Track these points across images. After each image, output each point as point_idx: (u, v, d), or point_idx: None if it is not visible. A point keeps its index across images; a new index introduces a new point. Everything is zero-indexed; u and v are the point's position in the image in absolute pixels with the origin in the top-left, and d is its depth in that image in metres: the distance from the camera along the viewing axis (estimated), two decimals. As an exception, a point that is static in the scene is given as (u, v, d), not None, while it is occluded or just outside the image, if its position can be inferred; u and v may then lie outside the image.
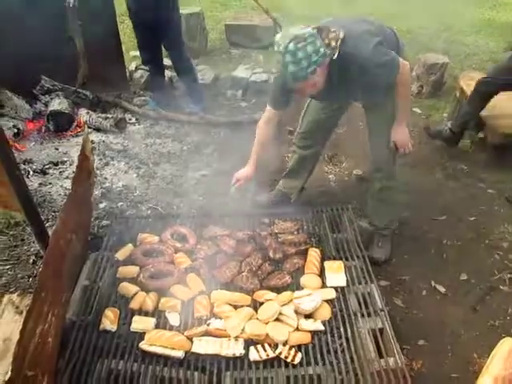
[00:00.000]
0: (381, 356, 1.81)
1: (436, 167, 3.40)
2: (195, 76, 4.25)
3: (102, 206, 2.90)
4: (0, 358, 1.76)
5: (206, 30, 5.74)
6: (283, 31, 1.95)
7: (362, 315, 1.98)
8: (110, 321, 1.89)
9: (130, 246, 2.31)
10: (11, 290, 2.33)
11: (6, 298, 2.03)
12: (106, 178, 3.18)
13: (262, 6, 5.49)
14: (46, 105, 3.86)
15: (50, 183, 3.09)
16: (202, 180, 3.18)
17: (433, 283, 2.45)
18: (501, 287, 2.43)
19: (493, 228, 2.83)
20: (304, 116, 2.67)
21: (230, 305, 1.99)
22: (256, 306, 2.01)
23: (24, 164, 3.23)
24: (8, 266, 2.48)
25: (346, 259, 2.27)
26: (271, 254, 2.27)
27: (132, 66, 4.83)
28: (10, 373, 1.32)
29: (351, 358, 1.79)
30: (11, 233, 2.70)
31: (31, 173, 3.17)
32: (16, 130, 3.58)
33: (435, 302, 2.36)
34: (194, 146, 3.59)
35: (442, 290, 2.42)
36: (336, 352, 1.83)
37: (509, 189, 3.14)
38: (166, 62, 4.39)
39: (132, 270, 2.17)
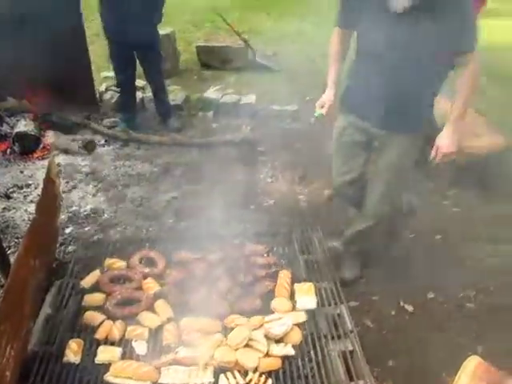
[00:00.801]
0: (351, 379, 1.80)
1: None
2: (167, 96, 4.29)
3: (68, 230, 2.83)
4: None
5: (177, 51, 5.78)
6: None
7: (333, 337, 1.98)
8: (73, 352, 1.82)
9: (96, 272, 2.25)
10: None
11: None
12: (73, 202, 3.12)
13: (234, 28, 5.59)
14: (13, 127, 3.78)
15: (14, 208, 3.01)
16: (172, 202, 3.15)
17: (401, 303, 2.48)
18: (467, 304, 2.49)
19: (458, 246, 2.90)
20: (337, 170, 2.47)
21: (200, 331, 1.95)
22: (226, 331, 1.99)
23: (-13, 188, 3.14)
24: (-33, 296, 2.38)
25: (317, 281, 2.27)
26: (242, 278, 2.25)
27: (102, 87, 4.80)
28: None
29: (321, 383, 1.78)
30: (-29, 260, 2.59)
31: (-6, 197, 3.08)
32: (-21, 153, 3.48)
33: (404, 321, 2.39)
34: (165, 168, 3.58)
35: (411, 309, 2.45)
36: (306, 377, 1.81)
37: (472, 207, 3.24)
38: (138, 82, 4.40)
39: (98, 297, 2.11)
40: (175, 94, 4.74)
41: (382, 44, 1.98)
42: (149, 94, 4.51)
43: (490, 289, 2.58)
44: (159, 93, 4.22)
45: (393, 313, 2.43)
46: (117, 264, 2.31)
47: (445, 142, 2.07)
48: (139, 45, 3.80)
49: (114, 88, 4.59)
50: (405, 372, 2.12)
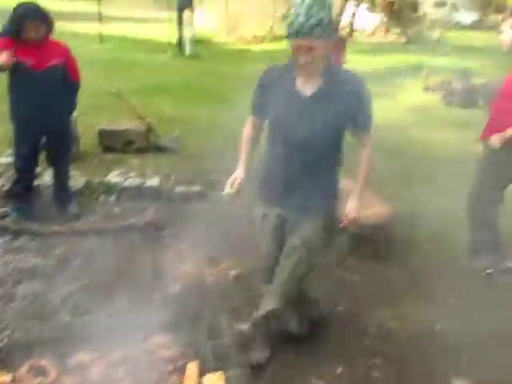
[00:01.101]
0: None
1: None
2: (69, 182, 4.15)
3: None
4: None
5: (78, 135, 5.68)
6: None
7: (244, 430, 1.90)
8: None
9: (-27, 391, 1.97)
10: None
11: None
12: (-50, 307, 2.75)
13: (137, 111, 5.69)
14: None
15: None
16: (69, 297, 2.91)
17: (313, 380, 2.47)
18: (373, 374, 2.55)
19: (360, 315, 3.02)
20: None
21: None
22: None
23: None
24: None
25: (226, 368, 2.21)
26: (146, 376, 2.11)
27: (-9, 175, 4.49)
28: None
29: None
30: None
31: None
32: None
33: (316, 400, 2.38)
34: (62, 259, 3.33)
35: (322, 386, 2.45)
36: None
37: (370, 273, 3.45)
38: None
39: (-26, 423, 1.83)
40: (75, 179, 4.56)
41: (292, 127, 2.18)
42: (46, 180, 4.31)
43: (394, 355, 2.69)
44: (62, 179, 4.05)
45: (305, 392, 2.41)
46: (0, 378, 2.04)
47: (352, 210, 2.31)
48: (52, 132, 3.74)
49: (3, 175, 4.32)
50: None
